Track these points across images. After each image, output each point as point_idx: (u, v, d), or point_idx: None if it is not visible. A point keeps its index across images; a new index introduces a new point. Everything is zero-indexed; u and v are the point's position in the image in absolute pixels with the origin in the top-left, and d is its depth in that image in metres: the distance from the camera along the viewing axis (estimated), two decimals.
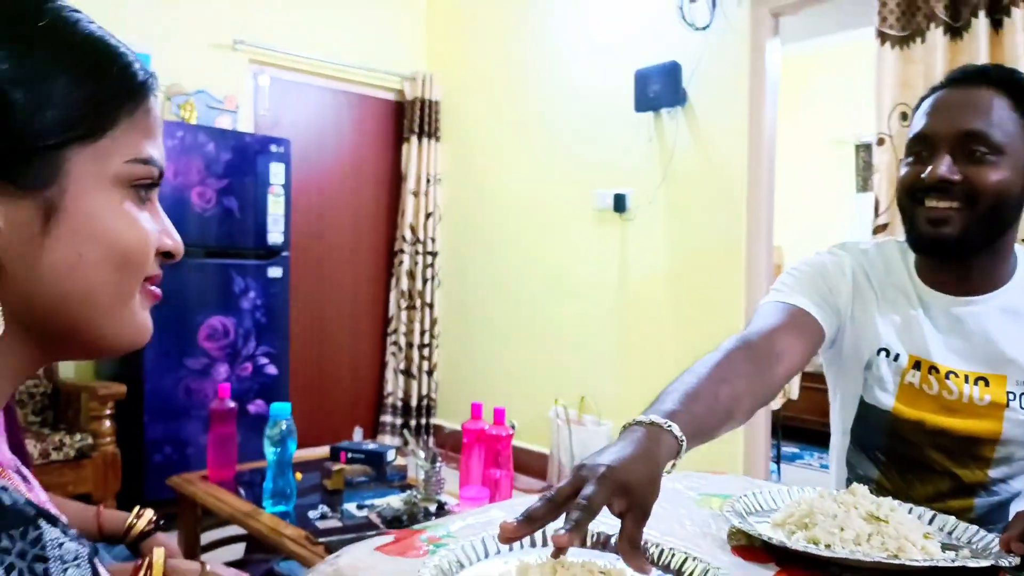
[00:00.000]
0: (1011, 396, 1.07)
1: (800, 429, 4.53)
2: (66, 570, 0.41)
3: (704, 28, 3.03)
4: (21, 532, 0.40)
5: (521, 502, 1.03)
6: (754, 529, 0.89)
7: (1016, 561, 0.82)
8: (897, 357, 1.13)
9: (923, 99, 1.12)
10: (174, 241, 0.55)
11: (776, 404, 3.47)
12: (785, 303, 1.12)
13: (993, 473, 1.09)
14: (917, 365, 1.12)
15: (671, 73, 3.09)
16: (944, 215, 1.05)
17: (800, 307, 1.11)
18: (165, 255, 0.55)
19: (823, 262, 1.19)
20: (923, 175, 1.05)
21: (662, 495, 1.06)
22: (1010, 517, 1.05)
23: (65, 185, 0.47)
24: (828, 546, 0.84)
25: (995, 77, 1.05)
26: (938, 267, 1.13)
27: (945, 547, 0.88)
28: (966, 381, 1.10)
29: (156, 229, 0.53)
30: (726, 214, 3.04)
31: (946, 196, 1.04)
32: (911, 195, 1.08)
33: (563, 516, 0.67)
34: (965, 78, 1.07)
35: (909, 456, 1.13)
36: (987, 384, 1.09)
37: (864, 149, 5.38)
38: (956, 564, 0.79)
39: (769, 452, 3.16)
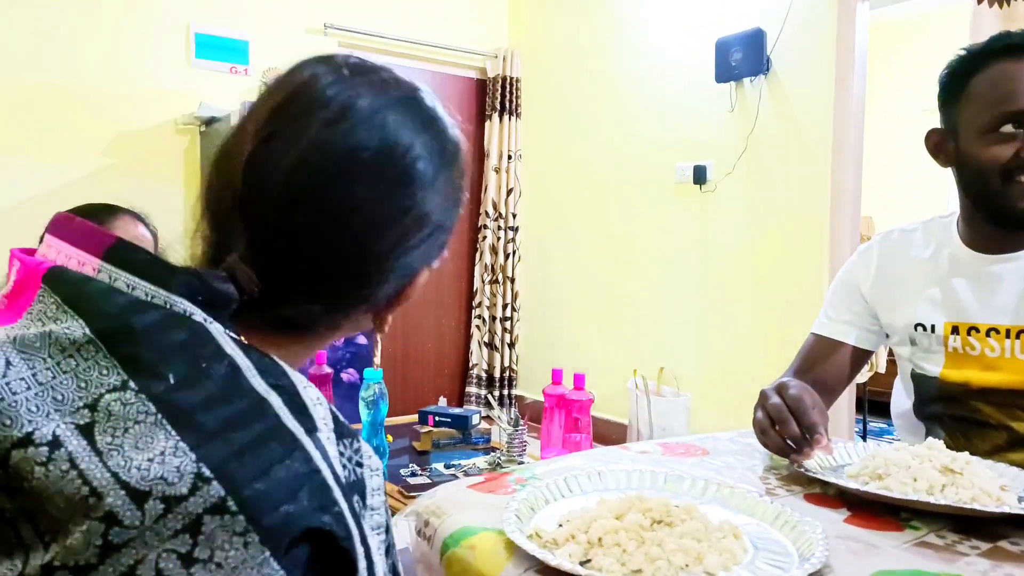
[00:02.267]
0: None
1: (888, 404, 4.40)
2: (372, 476, 0.52)
3: None
4: (350, 442, 0.51)
5: (601, 452, 1.10)
6: (826, 476, 0.93)
7: None
8: (933, 328, 1.20)
9: (966, 73, 1.12)
10: None
11: (862, 378, 3.40)
12: (823, 336, 1.33)
13: None
14: (955, 330, 1.18)
15: (754, 41, 3.04)
16: None
17: (836, 339, 1.31)
18: None
19: (851, 268, 1.34)
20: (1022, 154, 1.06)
21: (737, 448, 1.11)
22: None
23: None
24: (902, 494, 0.87)
25: None
26: (984, 231, 1.17)
27: (1022, 500, 0.90)
28: (1007, 336, 1.13)
29: None
30: (810, 185, 2.99)
31: None
32: (1004, 174, 1.09)
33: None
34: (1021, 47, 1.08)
35: (963, 416, 1.18)
36: None
37: None
38: None
39: (853, 427, 3.12)
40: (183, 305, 0.48)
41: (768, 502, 0.84)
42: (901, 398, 1.34)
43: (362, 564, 0.45)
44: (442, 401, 4.10)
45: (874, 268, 1.30)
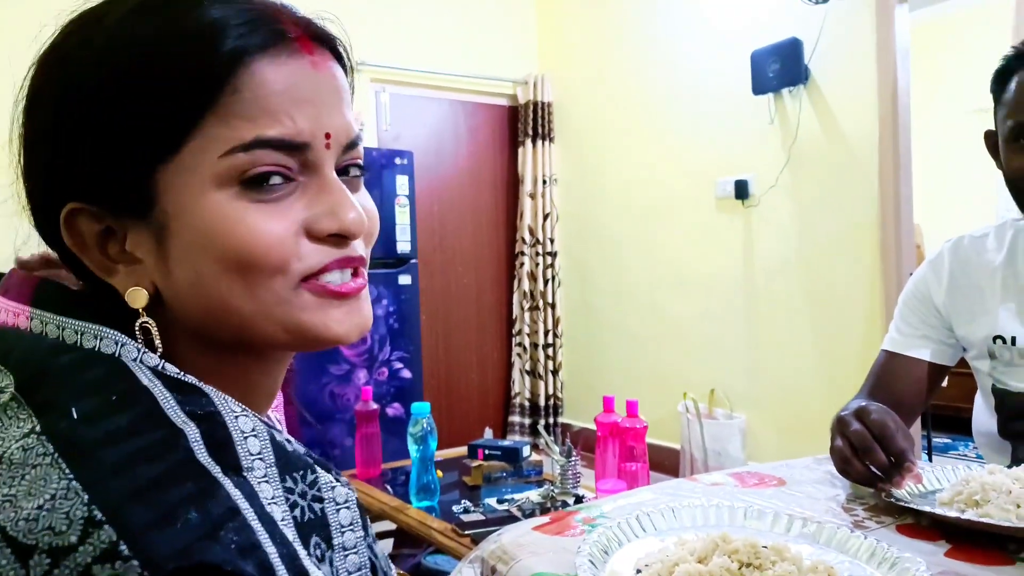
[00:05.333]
0: None
1: (952, 418, 4.23)
2: (338, 510, 0.45)
3: (824, 1, 2.91)
4: (302, 475, 0.44)
5: (670, 486, 1.04)
6: (918, 505, 0.86)
7: None
8: (1015, 340, 1.14)
9: (1006, 75, 1.09)
10: (339, 220, 0.46)
11: None
12: (896, 353, 1.25)
13: None
14: None
15: (792, 50, 2.98)
16: None
17: (909, 355, 1.23)
18: (338, 236, 0.47)
19: (921, 279, 1.27)
20: None
21: (815, 476, 1.05)
22: None
23: (164, 206, 0.44)
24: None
25: None
26: None
27: None
28: None
29: (281, 225, 0.45)
30: (858, 194, 2.90)
31: None
32: None
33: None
34: None
35: None
36: None
37: None
38: None
39: (919, 444, 2.98)
40: (113, 336, 0.44)
41: (860, 537, 0.78)
42: (983, 415, 1.26)
43: None
44: (488, 432, 4.06)
45: (946, 278, 1.23)
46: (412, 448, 2.06)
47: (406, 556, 2.35)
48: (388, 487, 2.22)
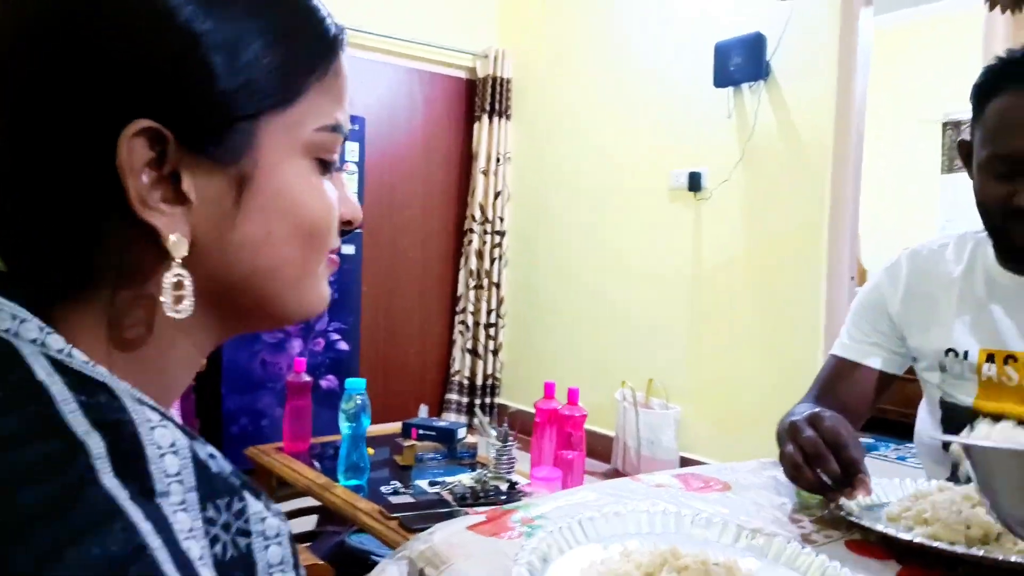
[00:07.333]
0: None
1: (878, 420, 4.35)
2: (267, 547, 0.39)
3: None
4: (227, 503, 0.37)
5: (612, 486, 0.99)
6: (871, 524, 0.83)
7: None
8: (967, 355, 1.12)
9: (986, 92, 1.04)
10: (353, 209, 0.50)
11: None
12: (845, 359, 1.24)
13: None
14: (991, 358, 1.10)
15: (754, 45, 2.96)
16: None
17: (859, 362, 1.22)
18: (345, 223, 0.50)
19: (876, 286, 1.25)
20: (1016, 201, 1.01)
21: (760, 481, 1.01)
22: None
23: (256, 157, 0.42)
24: (952, 543, 0.78)
25: None
26: None
27: None
28: None
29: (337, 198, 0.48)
30: (808, 195, 2.91)
31: None
32: (1003, 214, 1.04)
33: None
34: None
35: None
36: None
37: (952, 127, 5.11)
38: None
39: None
40: (9, 309, 0.37)
41: (811, 553, 0.74)
42: (927, 426, 1.25)
43: None
44: (423, 410, 3.99)
45: (902, 287, 1.21)
46: (344, 425, 1.98)
47: (330, 534, 2.28)
48: (316, 463, 2.13)
